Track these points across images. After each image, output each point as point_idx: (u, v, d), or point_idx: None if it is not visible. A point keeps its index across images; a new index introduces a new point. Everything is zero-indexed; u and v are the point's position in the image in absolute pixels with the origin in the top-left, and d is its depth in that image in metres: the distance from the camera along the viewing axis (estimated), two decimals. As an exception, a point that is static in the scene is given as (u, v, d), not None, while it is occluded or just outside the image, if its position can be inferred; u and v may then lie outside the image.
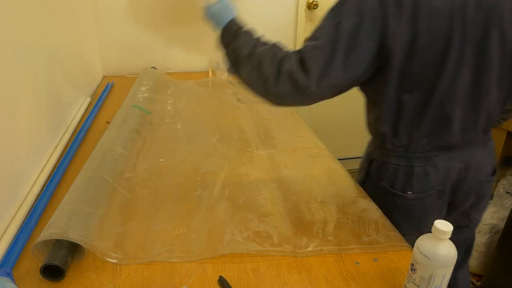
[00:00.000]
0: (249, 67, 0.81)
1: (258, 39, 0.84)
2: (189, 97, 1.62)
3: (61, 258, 0.66)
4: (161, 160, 1.07)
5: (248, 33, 0.85)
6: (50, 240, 0.68)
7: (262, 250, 0.73)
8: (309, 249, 0.74)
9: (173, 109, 1.47)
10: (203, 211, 0.85)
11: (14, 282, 0.60)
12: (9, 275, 0.60)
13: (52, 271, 0.65)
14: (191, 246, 0.74)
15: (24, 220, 0.82)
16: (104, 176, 0.89)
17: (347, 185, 0.97)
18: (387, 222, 0.82)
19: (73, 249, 0.69)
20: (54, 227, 0.69)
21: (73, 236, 0.68)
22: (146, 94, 1.50)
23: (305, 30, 2.26)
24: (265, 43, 0.83)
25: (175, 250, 0.73)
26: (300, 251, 0.74)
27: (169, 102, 1.54)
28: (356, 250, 0.74)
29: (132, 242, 0.75)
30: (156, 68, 1.89)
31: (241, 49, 0.82)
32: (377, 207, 0.87)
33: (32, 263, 0.70)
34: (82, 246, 0.69)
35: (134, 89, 1.52)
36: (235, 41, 0.84)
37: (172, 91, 1.68)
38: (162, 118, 1.36)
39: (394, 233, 0.79)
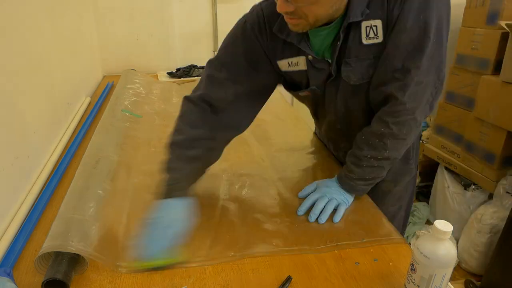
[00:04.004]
0: None
1: None
2: (177, 98, 1.61)
3: (65, 272, 0.63)
4: (161, 164, 1.05)
5: None
6: (49, 253, 0.66)
7: (281, 251, 0.73)
8: (325, 245, 0.75)
9: (162, 111, 1.46)
10: (213, 214, 0.84)
11: (14, 282, 0.60)
12: (9, 275, 0.60)
13: (54, 285, 0.63)
14: (207, 250, 0.73)
15: (24, 220, 0.82)
16: (103, 183, 0.87)
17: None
18: (384, 216, 0.84)
19: (74, 261, 0.67)
20: (56, 238, 0.67)
21: (79, 248, 0.66)
22: (133, 98, 1.49)
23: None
24: None
25: (193, 255, 0.72)
26: (317, 248, 0.74)
27: (157, 104, 1.53)
28: (371, 243, 0.75)
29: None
30: (135, 70, 1.89)
31: None
32: (373, 202, 0.89)
33: (32, 263, 0.69)
34: (84, 258, 0.67)
35: (118, 92, 1.50)
36: None
37: (157, 92, 1.67)
38: (153, 121, 1.35)
39: (392, 227, 0.81)
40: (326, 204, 0.83)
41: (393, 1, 0.73)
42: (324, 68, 0.83)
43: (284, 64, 0.87)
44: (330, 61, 0.81)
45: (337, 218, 0.81)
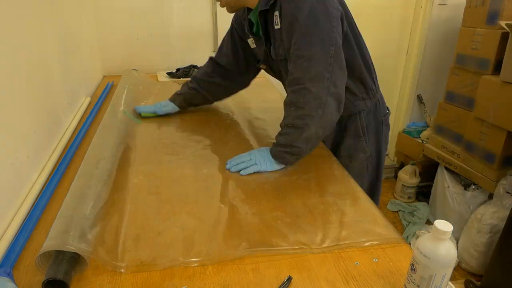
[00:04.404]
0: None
1: None
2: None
3: (66, 272, 0.63)
4: (160, 164, 1.06)
5: None
6: (50, 252, 0.66)
7: (281, 250, 0.73)
8: (325, 244, 0.75)
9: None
10: (212, 214, 0.84)
11: (14, 282, 0.60)
12: (9, 275, 0.60)
13: (54, 284, 0.63)
14: (207, 249, 0.73)
15: (24, 220, 0.82)
16: (103, 183, 0.88)
17: (346, 182, 0.98)
18: (384, 216, 0.85)
19: (75, 261, 0.67)
20: (56, 237, 0.67)
21: (79, 248, 0.66)
22: (133, 98, 1.49)
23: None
24: None
25: (193, 254, 0.72)
26: (317, 247, 0.74)
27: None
28: (371, 243, 0.75)
29: (145, 249, 0.73)
30: (136, 70, 1.89)
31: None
32: (373, 202, 0.89)
33: (32, 263, 0.70)
34: (83, 258, 0.67)
35: (118, 92, 1.50)
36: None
37: (157, 93, 1.67)
38: (153, 121, 1.35)
39: (392, 227, 0.81)
40: (248, 167, 0.99)
41: None
42: (261, 45, 1.12)
43: (250, 42, 1.19)
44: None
45: (244, 172, 0.98)
